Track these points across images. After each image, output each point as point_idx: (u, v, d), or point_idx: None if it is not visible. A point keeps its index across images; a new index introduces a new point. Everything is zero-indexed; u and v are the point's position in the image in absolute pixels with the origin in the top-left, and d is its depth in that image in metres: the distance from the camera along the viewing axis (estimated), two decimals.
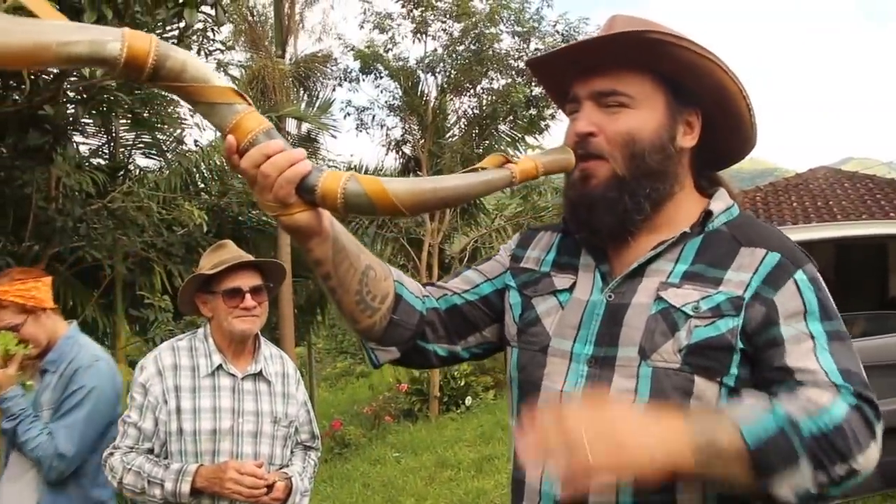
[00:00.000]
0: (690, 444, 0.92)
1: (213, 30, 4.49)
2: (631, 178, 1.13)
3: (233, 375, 2.31)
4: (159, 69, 0.95)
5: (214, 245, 2.48)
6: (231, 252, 2.37)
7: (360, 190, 1.03)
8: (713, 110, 1.18)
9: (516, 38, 11.07)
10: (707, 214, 1.17)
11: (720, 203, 1.19)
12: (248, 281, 2.30)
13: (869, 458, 0.95)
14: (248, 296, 2.28)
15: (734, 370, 1.04)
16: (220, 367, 2.30)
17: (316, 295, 12.85)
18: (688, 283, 1.09)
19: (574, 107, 1.19)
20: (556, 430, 0.91)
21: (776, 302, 1.06)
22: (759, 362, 1.04)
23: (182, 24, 3.59)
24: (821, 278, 1.10)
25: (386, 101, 11.77)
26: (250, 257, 2.39)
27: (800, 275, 1.08)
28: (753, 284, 1.07)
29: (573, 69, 1.18)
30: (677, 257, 1.14)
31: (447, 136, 12.01)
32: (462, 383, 11.01)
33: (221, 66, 5.60)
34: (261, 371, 2.36)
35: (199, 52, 4.72)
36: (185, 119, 7.49)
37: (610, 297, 1.15)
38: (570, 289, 1.20)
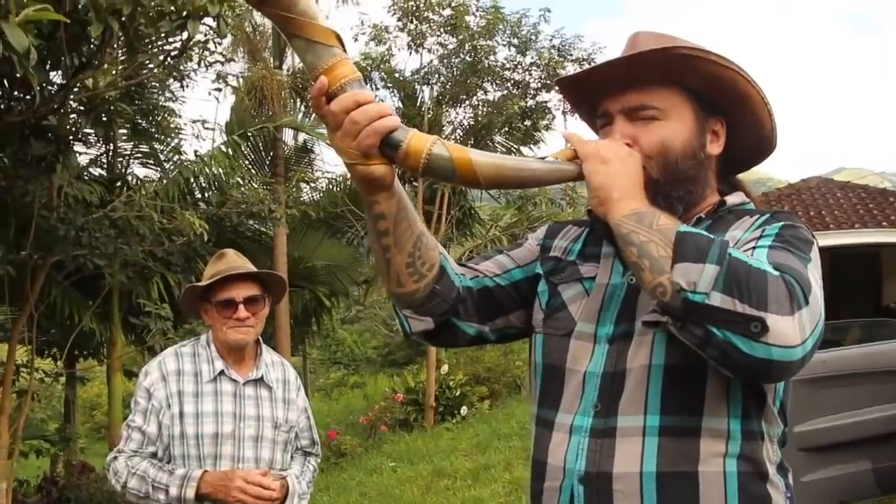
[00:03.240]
0: (641, 202, 1.08)
1: (214, 42, 4.55)
2: (665, 182, 1.18)
3: (235, 381, 2.33)
4: None
5: (216, 254, 2.50)
6: (229, 262, 2.38)
7: (446, 154, 1.05)
8: (736, 118, 1.23)
9: (512, 49, 11.16)
10: (721, 203, 1.24)
11: (735, 198, 1.26)
12: (242, 292, 2.31)
13: (782, 324, 0.94)
14: (241, 307, 2.29)
15: None
16: (222, 372, 2.32)
17: (312, 305, 12.86)
18: None
19: (605, 122, 1.24)
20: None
21: (742, 238, 1.13)
22: None
23: (185, 36, 3.65)
24: (803, 231, 1.13)
25: None
26: (251, 267, 2.40)
27: (776, 223, 1.14)
28: (743, 237, 1.14)
29: (601, 86, 1.23)
30: None
31: None
32: (457, 393, 11.00)
33: (221, 78, 5.65)
34: (262, 377, 2.38)
35: (199, 64, 4.77)
36: (184, 129, 7.54)
37: (631, 280, 1.19)
38: (595, 277, 1.25)
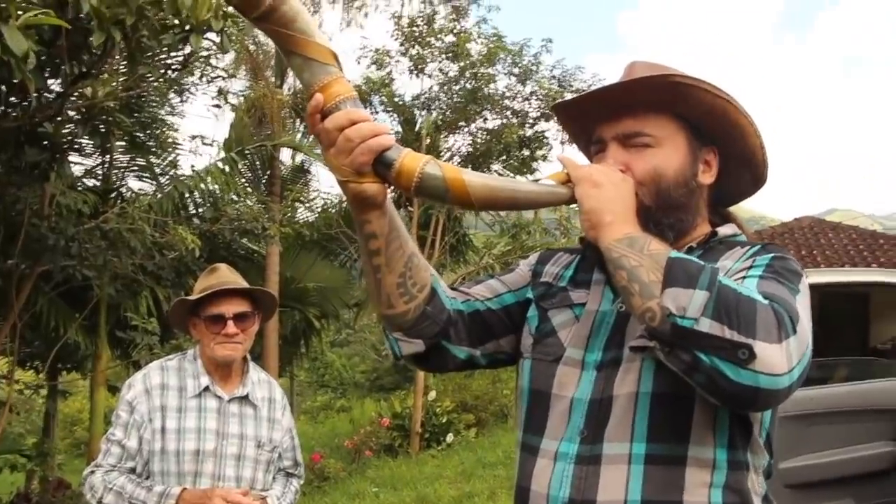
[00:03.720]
0: (633, 227, 1.08)
1: (217, 57, 4.57)
2: (657, 209, 1.18)
3: (219, 397, 2.30)
4: (275, 10, 0.99)
5: (209, 268, 2.48)
6: (220, 277, 2.36)
7: (439, 174, 1.05)
8: (728, 148, 1.24)
9: (512, 78, 11.27)
10: (713, 234, 1.25)
11: (727, 230, 1.27)
12: (232, 307, 2.29)
13: (770, 352, 0.94)
14: (230, 322, 2.27)
15: None
16: (207, 388, 2.29)
17: (301, 326, 12.78)
18: None
19: (599, 148, 1.24)
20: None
21: (733, 267, 1.14)
22: None
23: (187, 50, 3.66)
24: (791, 263, 1.13)
25: None
26: (242, 283, 2.38)
27: (766, 254, 1.14)
28: (734, 267, 1.14)
29: (596, 113, 1.24)
30: None
31: None
32: (444, 420, 10.91)
33: (223, 94, 5.66)
34: (247, 395, 2.35)
35: (201, 78, 4.79)
36: (181, 144, 7.55)
37: (621, 307, 1.19)
38: (585, 304, 1.25)
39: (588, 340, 1.20)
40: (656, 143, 1.19)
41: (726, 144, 1.24)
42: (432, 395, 11.40)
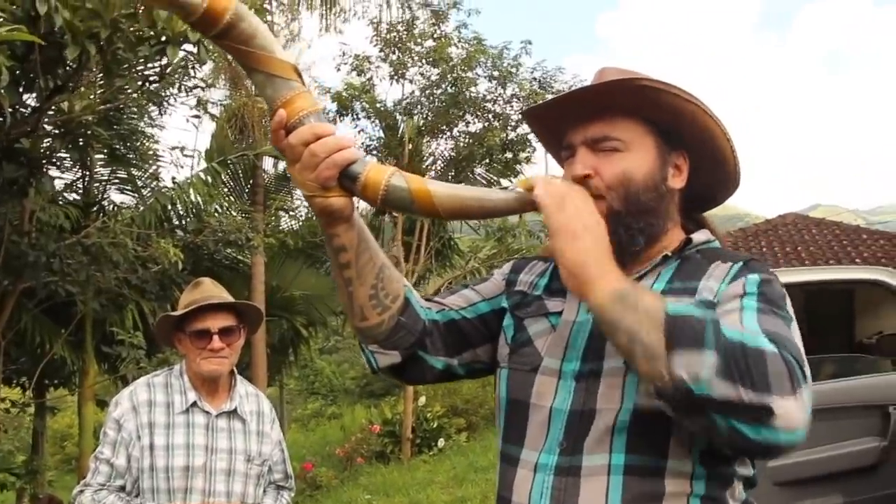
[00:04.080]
0: (616, 277, 1.01)
1: (194, 67, 4.55)
2: (626, 213, 1.17)
3: (207, 412, 2.29)
4: (233, 28, 0.98)
5: (192, 283, 2.46)
6: (204, 291, 2.34)
7: (404, 186, 1.05)
8: (699, 152, 1.23)
9: (493, 82, 11.28)
10: (687, 241, 1.24)
11: (701, 236, 1.26)
12: (217, 322, 2.28)
13: (787, 407, 0.93)
14: (215, 337, 2.25)
15: None
16: (194, 403, 2.28)
17: (289, 334, 12.73)
18: (668, 297, 1.12)
19: (569, 153, 1.23)
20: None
21: (723, 292, 1.13)
22: None
23: (164, 61, 3.64)
24: (777, 285, 1.13)
25: (363, 143, 11.86)
26: (227, 297, 2.36)
27: (752, 275, 1.14)
28: (721, 289, 1.14)
29: (567, 118, 1.23)
30: (656, 278, 1.20)
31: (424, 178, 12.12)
32: (435, 425, 10.92)
33: (201, 104, 5.64)
34: (235, 409, 2.34)
35: (179, 89, 4.76)
36: (163, 156, 7.50)
37: None
38: (561, 313, 1.23)
39: (565, 350, 1.19)
40: (625, 147, 1.18)
41: (697, 148, 1.23)
42: (422, 400, 11.39)
